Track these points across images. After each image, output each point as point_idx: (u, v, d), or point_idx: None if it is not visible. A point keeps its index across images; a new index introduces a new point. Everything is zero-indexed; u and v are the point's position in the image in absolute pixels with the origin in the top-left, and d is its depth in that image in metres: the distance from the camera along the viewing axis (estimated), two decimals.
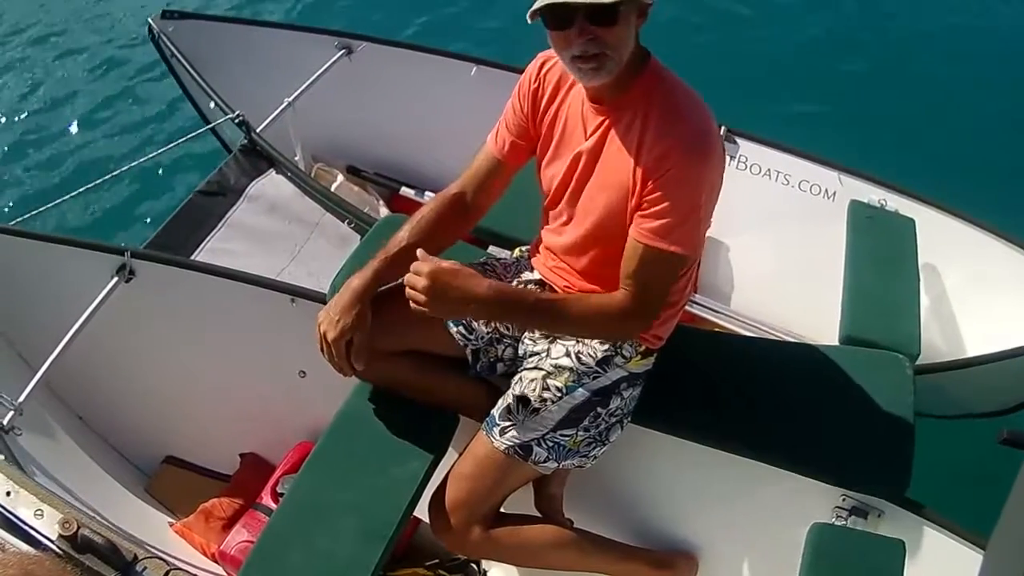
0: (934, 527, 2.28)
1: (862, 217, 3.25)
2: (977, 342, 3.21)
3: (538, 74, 2.16)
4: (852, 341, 2.76)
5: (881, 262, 3.07)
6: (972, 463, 2.96)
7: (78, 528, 1.90)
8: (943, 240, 3.31)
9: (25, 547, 1.91)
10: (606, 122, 2.03)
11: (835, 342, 2.85)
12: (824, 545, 2.22)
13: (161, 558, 1.99)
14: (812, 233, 3.44)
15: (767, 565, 2.54)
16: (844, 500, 2.36)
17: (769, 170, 3.53)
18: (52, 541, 1.91)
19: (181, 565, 2.01)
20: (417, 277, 1.93)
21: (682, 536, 2.61)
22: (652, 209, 1.94)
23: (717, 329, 3.48)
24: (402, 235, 2.23)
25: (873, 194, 3.39)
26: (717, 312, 3.52)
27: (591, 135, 2.06)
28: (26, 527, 1.93)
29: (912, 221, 3.26)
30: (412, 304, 1.94)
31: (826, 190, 3.49)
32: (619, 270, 2.06)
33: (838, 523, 2.32)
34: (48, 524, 1.93)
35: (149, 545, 2.21)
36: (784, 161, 3.54)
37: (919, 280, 3.03)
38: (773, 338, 3.47)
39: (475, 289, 1.94)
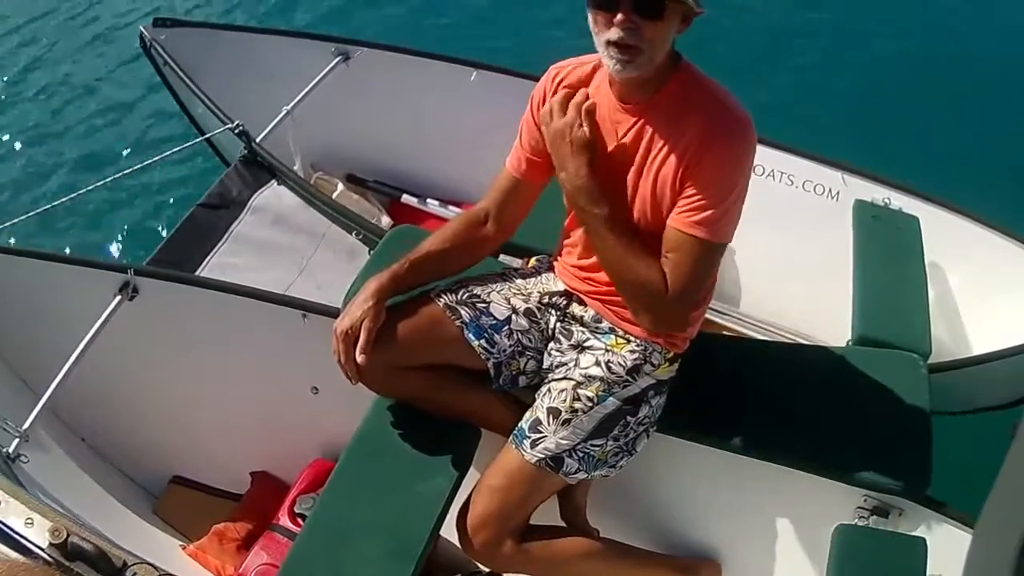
0: (954, 523, 2.30)
1: (867, 216, 3.25)
2: (983, 338, 3.23)
3: (552, 85, 2.16)
4: (865, 341, 2.77)
5: (888, 261, 3.08)
6: (987, 458, 2.96)
7: (68, 536, 1.90)
8: (947, 237, 3.31)
9: (15, 555, 1.90)
10: (640, 122, 2.03)
11: (844, 341, 2.86)
12: (848, 546, 2.23)
13: (151, 564, 1.96)
14: (817, 233, 3.44)
15: (791, 568, 2.54)
16: (866, 500, 2.38)
17: (773, 171, 3.52)
18: (42, 549, 1.91)
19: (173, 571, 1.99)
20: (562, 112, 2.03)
21: (706, 541, 2.62)
22: (694, 197, 1.97)
23: (726, 332, 3.49)
24: (425, 245, 2.25)
25: (877, 193, 3.39)
26: (726, 315, 3.53)
27: (623, 137, 2.05)
28: (16, 536, 1.93)
29: (916, 219, 3.27)
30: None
31: (830, 190, 3.49)
32: None
33: (860, 523, 2.34)
34: (38, 532, 1.93)
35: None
36: (787, 162, 3.53)
37: (926, 278, 3.04)
38: (783, 340, 3.49)
39: (585, 160, 2.02)
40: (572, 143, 2.00)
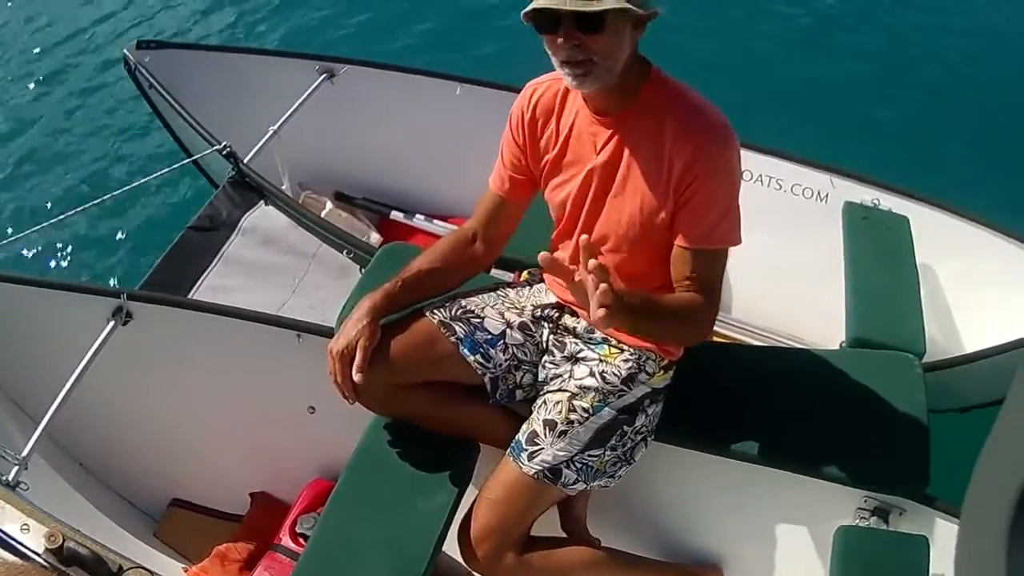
0: (954, 520, 2.30)
1: (857, 218, 3.26)
2: (978, 335, 3.24)
3: (529, 103, 2.17)
4: (859, 343, 2.78)
5: (880, 262, 3.08)
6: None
7: (64, 541, 1.95)
8: (938, 236, 3.33)
9: (12, 559, 1.94)
10: (616, 133, 2.03)
11: (838, 343, 2.87)
12: (850, 548, 2.24)
13: (145, 568, 1.99)
14: (808, 237, 3.45)
15: (793, 572, 2.55)
16: (866, 501, 2.39)
17: (760, 176, 3.54)
18: (38, 554, 1.96)
19: None
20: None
21: (707, 547, 2.62)
22: (699, 213, 1.99)
23: (720, 339, 3.49)
24: (416, 264, 2.26)
25: (866, 194, 3.40)
26: (720, 321, 3.53)
27: (601, 149, 2.06)
28: (13, 541, 1.97)
29: (906, 219, 3.28)
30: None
31: (818, 192, 3.50)
32: (641, 277, 2.14)
33: (861, 524, 2.35)
34: (34, 538, 1.98)
35: None
36: (774, 166, 3.54)
37: (918, 278, 3.05)
38: (778, 344, 3.50)
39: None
40: None
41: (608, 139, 2.05)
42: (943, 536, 2.30)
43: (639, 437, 2.24)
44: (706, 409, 2.41)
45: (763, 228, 3.18)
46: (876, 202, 3.37)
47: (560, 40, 1.85)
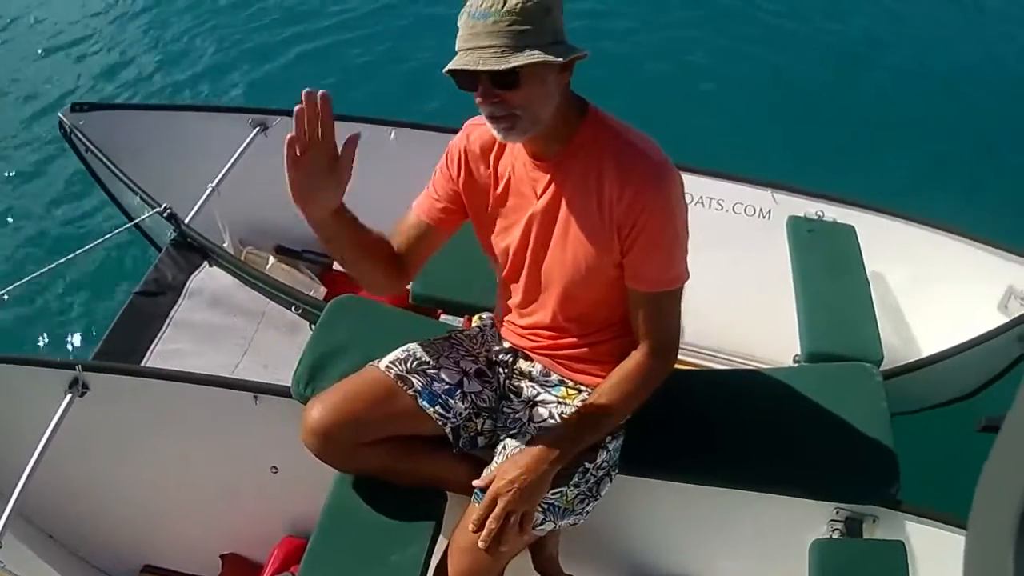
0: (927, 522, 2.34)
1: (803, 231, 3.28)
2: (933, 335, 3.27)
3: (467, 142, 2.15)
4: (816, 357, 2.79)
5: (829, 273, 3.10)
6: (952, 453, 3.00)
7: None
8: (885, 242, 3.36)
9: None
10: (554, 178, 2.02)
11: (795, 360, 2.88)
12: (827, 561, 2.26)
13: None
14: (755, 255, 3.47)
15: None
16: (838, 512, 2.40)
17: (701, 197, 3.55)
18: None
19: None
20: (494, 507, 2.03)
21: (683, 573, 2.61)
22: (645, 257, 1.98)
23: (677, 365, 3.50)
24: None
25: (809, 207, 3.43)
26: None
27: (541, 195, 2.04)
28: None
29: (852, 228, 3.30)
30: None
31: (761, 209, 3.52)
32: (592, 318, 2.15)
33: (835, 536, 2.37)
34: None
35: None
36: (715, 187, 3.56)
37: (869, 285, 3.07)
38: (732, 364, 3.50)
39: (546, 467, 2.04)
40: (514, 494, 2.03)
41: (547, 185, 2.03)
42: (918, 540, 2.32)
43: (601, 473, 2.21)
44: (668, 438, 2.40)
45: (708, 249, 3.18)
46: (820, 214, 3.40)
47: (477, 101, 1.84)
